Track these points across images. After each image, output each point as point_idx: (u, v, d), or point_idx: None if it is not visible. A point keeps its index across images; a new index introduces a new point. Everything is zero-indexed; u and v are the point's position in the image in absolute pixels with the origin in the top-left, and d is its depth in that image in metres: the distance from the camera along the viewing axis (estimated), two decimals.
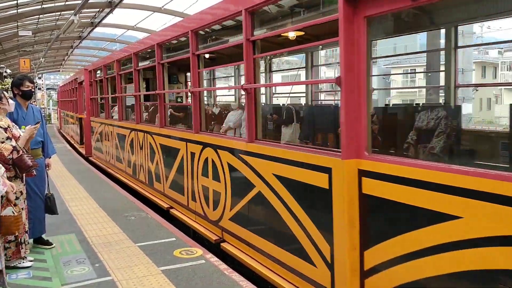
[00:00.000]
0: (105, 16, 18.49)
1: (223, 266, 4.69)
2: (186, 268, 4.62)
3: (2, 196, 3.98)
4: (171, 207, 7.14)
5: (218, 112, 9.12)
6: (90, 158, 14.06)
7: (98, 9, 18.54)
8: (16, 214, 4.07)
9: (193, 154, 6.14)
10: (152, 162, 7.94)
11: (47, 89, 52.35)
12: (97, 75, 12.81)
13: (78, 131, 17.03)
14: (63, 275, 4.50)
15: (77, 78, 16.54)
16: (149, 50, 8.29)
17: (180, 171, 6.66)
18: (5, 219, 3.98)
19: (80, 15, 14.84)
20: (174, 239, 5.61)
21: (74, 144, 18.34)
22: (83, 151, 15.45)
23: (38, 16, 20.12)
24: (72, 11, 14.43)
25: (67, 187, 9.14)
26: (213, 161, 5.58)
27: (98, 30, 24.30)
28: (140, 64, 9.09)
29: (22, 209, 4.68)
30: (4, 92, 4.83)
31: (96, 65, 13.22)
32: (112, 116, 11.18)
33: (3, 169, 3.97)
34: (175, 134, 6.95)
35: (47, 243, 5.37)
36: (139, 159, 8.74)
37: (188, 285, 4.21)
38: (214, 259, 4.89)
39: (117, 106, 10.50)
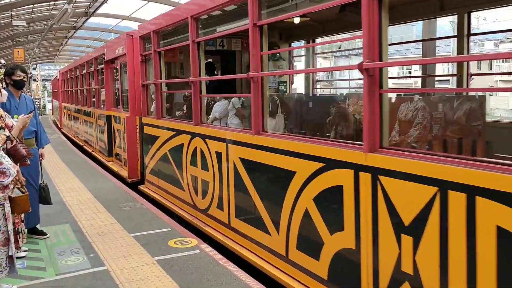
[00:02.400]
0: (100, 6, 18.32)
1: (217, 256, 4.69)
2: (181, 258, 4.62)
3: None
4: None
5: (205, 103, 6.92)
6: (141, 188, 8.11)
7: None
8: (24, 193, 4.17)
9: None
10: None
11: (42, 79, 52.01)
12: (163, 42, 7.29)
13: (105, 137, 11.21)
14: (57, 265, 4.50)
15: (102, 55, 11.13)
16: None
17: None
18: (18, 199, 4.03)
19: (74, 4, 14.73)
20: (169, 229, 5.61)
21: (96, 155, 12.52)
22: (122, 171, 9.53)
23: (32, 6, 19.91)
24: (66, 0, 14.31)
25: (61, 177, 9.11)
26: None
27: (93, 20, 24.12)
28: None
29: None
30: None
31: (163, 22, 6.84)
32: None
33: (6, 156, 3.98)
34: None
35: (42, 233, 5.36)
36: (351, 237, 3.26)
37: (182, 275, 4.21)
38: (209, 249, 4.89)
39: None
